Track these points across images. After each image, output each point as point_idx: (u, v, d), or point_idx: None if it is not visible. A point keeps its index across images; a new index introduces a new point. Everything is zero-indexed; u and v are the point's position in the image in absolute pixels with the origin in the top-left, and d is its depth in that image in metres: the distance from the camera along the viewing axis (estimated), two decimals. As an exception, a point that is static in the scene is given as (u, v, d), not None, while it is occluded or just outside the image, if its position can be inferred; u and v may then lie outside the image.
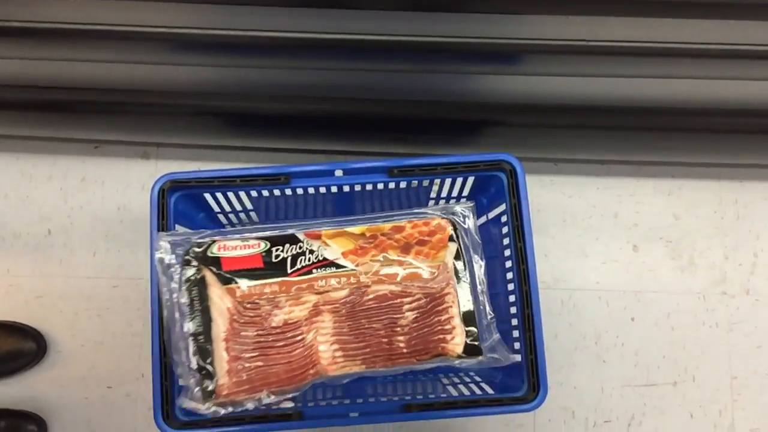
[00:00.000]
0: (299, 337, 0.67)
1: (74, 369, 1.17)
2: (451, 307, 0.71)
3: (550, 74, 1.04)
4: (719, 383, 1.20)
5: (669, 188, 1.27)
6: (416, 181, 0.98)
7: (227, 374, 0.65)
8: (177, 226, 0.85)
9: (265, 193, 0.97)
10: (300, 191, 0.97)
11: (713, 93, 1.05)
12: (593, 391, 1.19)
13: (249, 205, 1.03)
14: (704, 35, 0.97)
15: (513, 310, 0.94)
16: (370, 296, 0.71)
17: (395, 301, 0.72)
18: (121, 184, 1.23)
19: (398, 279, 0.71)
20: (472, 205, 0.77)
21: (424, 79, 1.04)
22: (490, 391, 0.94)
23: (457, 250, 0.73)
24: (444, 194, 1.05)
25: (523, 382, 0.90)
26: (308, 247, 0.72)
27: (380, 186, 0.97)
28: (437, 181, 1.00)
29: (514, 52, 1.00)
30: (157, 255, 0.66)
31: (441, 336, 0.71)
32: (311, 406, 0.92)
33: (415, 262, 0.71)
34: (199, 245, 0.67)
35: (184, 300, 0.64)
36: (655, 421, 1.18)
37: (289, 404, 0.94)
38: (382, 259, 0.72)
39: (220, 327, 0.64)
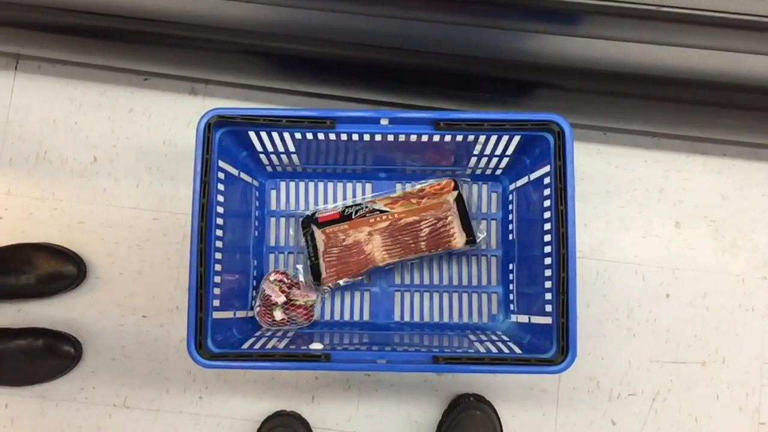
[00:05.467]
0: (361, 249, 1.13)
1: (112, 296, 1.20)
2: (451, 224, 1.13)
3: (608, 38, 1.01)
4: (749, 367, 1.18)
5: (719, 167, 1.24)
6: (461, 136, 0.97)
7: (326, 271, 1.13)
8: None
9: (309, 136, 0.97)
10: (344, 137, 0.96)
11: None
12: (620, 363, 1.18)
13: (291, 148, 1.03)
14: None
15: (548, 273, 0.93)
16: (402, 223, 1.13)
17: (416, 225, 1.13)
18: (167, 119, 1.24)
19: (418, 211, 1.14)
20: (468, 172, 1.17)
21: (479, 33, 1.02)
22: (518, 350, 0.95)
23: (458, 193, 1.14)
24: (487, 152, 1.04)
25: (551, 344, 0.90)
26: (365, 205, 1.14)
27: (424, 138, 0.97)
28: (481, 138, 0.98)
29: (574, 12, 0.97)
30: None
31: (447, 239, 1.13)
32: (340, 350, 0.93)
33: (427, 201, 1.14)
34: (310, 214, 1.15)
35: (303, 240, 1.14)
36: (680, 399, 1.17)
37: (319, 346, 0.95)
38: (408, 203, 1.14)
39: (320, 249, 1.13)
